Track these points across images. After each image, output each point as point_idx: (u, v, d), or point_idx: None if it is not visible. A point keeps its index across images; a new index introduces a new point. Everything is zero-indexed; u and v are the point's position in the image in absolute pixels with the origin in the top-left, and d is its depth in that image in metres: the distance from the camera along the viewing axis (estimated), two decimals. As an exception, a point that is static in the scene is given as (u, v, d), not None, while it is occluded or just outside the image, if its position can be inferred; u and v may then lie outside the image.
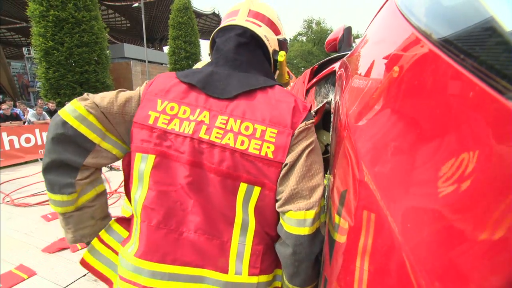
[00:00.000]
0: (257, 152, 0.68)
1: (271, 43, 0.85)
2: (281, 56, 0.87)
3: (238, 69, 0.78)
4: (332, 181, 0.79)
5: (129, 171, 0.77)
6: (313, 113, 1.86)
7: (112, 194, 4.62)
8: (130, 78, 23.46)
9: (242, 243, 0.72)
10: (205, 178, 0.70)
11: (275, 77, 0.97)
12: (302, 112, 0.74)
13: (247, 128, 0.69)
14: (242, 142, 0.69)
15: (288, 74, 1.06)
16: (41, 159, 7.10)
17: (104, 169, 6.10)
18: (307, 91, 2.11)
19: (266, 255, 0.75)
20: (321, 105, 1.69)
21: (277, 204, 0.72)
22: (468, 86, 0.27)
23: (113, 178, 5.55)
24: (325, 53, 38.14)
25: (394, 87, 0.45)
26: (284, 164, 0.70)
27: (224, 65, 0.79)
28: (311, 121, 0.75)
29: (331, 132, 1.23)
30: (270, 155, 0.68)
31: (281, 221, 0.72)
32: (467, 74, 0.28)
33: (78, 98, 0.75)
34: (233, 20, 0.83)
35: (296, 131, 0.71)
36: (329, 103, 1.61)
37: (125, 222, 0.85)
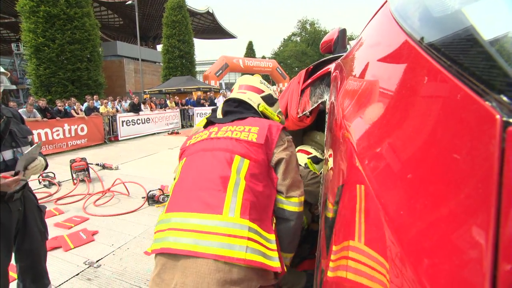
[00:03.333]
0: (245, 138, 1.11)
1: (254, 100, 1.35)
2: (260, 107, 1.34)
3: (236, 112, 1.30)
4: (327, 179, 0.82)
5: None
6: (308, 113, 1.90)
7: (105, 193, 4.58)
8: (123, 76, 23.19)
9: (234, 196, 0.98)
10: (212, 155, 1.10)
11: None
12: (280, 124, 1.20)
13: (239, 128, 1.16)
14: (236, 134, 1.13)
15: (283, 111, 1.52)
16: (31, 157, 6.96)
17: (96, 167, 6.04)
18: (302, 91, 2.15)
19: (253, 210, 0.98)
20: (315, 105, 1.73)
21: (283, 190, 1.09)
22: (453, 89, 0.30)
23: (106, 177, 5.49)
24: (319, 54, 38.32)
25: (387, 88, 0.48)
26: (281, 158, 1.10)
27: (228, 114, 1.32)
28: (290, 137, 1.20)
29: (325, 132, 1.26)
30: (254, 140, 1.10)
31: (282, 206, 1.09)
32: (452, 78, 0.31)
33: None
34: (231, 93, 1.44)
35: (286, 138, 1.18)
36: (323, 103, 1.64)
37: None
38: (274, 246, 0.97)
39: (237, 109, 1.31)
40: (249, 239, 0.90)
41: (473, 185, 0.25)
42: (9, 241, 1.66)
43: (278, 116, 1.40)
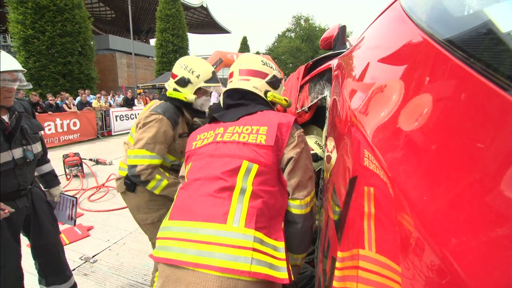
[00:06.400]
0: (254, 141, 1.02)
1: (260, 88, 1.21)
2: (269, 96, 1.21)
3: (241, 105, 1.18)
4: (333, 172, 0.84)
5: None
6: (306, 109, 1.92)
7: (100, 188, 4.54)
8: (115, 71, 22.78)
9: (240, 203, 0.93)
10: (217, 162, 1.02)
11: (276, 106, 1.33)
12: (290, 118, 1.07)
13: (247, 129, 1.06)
14: (244, 137, 1.04)
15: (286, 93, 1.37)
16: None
17: (90, 163, 5.96)
18: (301, 87, 2.16)
19: (260, 217, 0.93)
20: (315, 101, 1.74)
21: (289, 191, 1.02)
22: (474, 82, 0.32)
23: (99, 172, 5.43)
24: (313, 50, 38.33)
25: (404, 83, 0.50)
26: (290, 157, 1.02)
27: (232, 107, 1.20)
28: (301, 130, 1.09)
29: (327, 127, 1.28)
30: (263, 142, 1.01)
31: (288, 208, 1.04)
32: (471, 71, 0.33)
33: None
34: (231, 82, 1.25)
35: (297, 134, 1.06)
36: (322, 99, 1.66)
37: None
38: (282, 255, 0.91)
39: (242, 102, 1.18)
40: (254, 250, 0.85)
41: (498, 172, 0.26)
42: (17, 237, 1.70)
43: (285, 100, 1.27)
